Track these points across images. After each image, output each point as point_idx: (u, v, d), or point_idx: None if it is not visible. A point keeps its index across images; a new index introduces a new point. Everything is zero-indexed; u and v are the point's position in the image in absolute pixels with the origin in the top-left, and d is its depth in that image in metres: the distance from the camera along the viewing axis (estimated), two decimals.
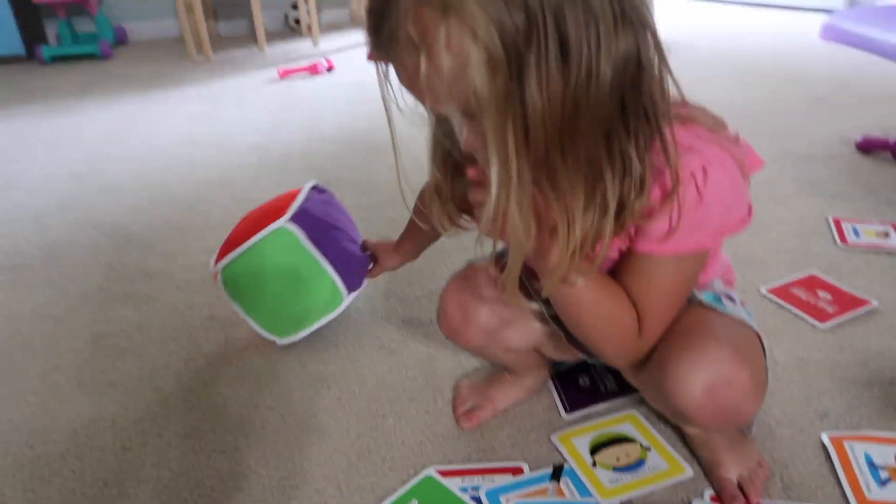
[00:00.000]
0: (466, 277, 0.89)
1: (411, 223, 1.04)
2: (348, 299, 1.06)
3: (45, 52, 3.28)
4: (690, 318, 0.73)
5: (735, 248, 1.32)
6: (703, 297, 0.77)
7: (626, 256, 0.70)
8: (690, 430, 0.84)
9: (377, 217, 1.56)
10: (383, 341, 1.13)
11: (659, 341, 0.72)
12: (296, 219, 1.03)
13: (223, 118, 2.40)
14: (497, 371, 1.00)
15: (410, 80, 0.55)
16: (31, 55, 3.35)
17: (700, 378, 0.67)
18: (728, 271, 0.86)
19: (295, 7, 3.66)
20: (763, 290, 1.20)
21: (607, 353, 0.75)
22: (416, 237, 1.06)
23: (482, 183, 0.60)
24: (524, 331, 0.90)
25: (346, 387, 1.03)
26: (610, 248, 0.70)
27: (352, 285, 1.06)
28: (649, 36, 0.55)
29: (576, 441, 0.90)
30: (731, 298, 0.79)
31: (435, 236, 1.06)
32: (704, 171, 0.62)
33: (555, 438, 0.90)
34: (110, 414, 1.01)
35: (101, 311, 1.28)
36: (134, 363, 1.12)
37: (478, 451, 0.90)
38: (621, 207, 0.61)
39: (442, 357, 1.08)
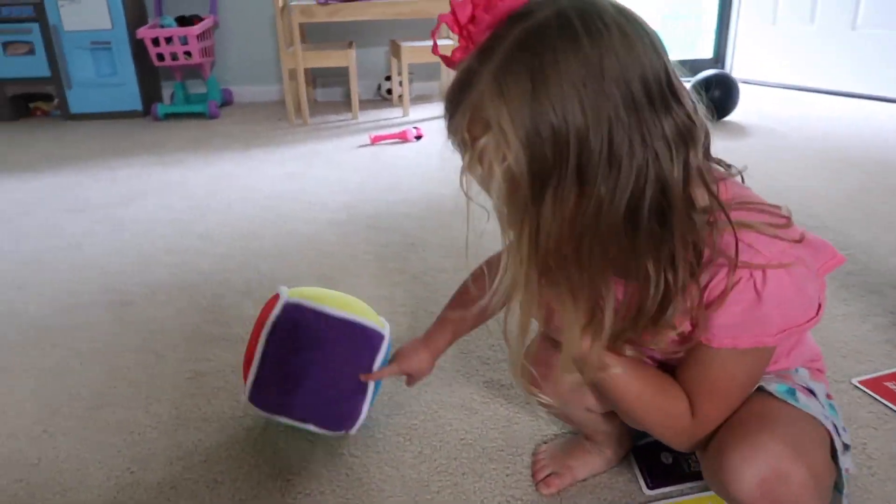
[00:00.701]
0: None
1: (453, 309, 1.00)
2: (358, 425, 1.00)
3: (160, 109, 3.57)
4: (755, 407, 0.72)
5: (827, 336, 1.29)
6: (776, 387, 0.74)
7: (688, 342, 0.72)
8: None
9: (459, 280, 1.60)
10: (465, 400, 1.16)
11: (720, 426, 0.72)
12: (253, 400, 1.01)
13: (316, 177, 2.53)
14: (577, 438, 1.00)
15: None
16: (147, 112, 3.66)
17: (753, 470, 0.66)
18: (816, 360, 0.84)
19: (388, 78, 3.88)
20: (855, 381, 1.16)
21: (656, 435, 0.77)
22: (456, 324, 1.01)
23: None
24: None
25: (427, 441, 1.06)
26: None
27: (336, 425, 1.00)
28: (684, 171, 0.59)
29: None
30: (811, 392, 0.77)
31: (473, 324, 1.01)
32: (763, 271, 0.64)
33: None
34: (204, 448, 1.06)
35: (198, 350, 1.36)
36: (227, 401, 1.18)
37: None
38: (640, 315, 0.65)
39: (522, 420, 1.10)
